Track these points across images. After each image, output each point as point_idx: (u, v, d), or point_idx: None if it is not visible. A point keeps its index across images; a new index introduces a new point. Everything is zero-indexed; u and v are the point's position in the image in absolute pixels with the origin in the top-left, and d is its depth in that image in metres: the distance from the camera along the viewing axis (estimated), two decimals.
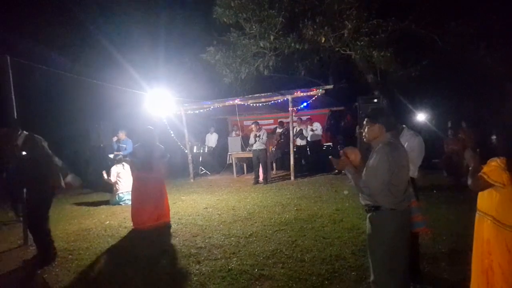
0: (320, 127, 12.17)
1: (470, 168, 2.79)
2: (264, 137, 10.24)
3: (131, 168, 6.82)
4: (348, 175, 2.73)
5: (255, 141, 10.21)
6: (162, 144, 6.50)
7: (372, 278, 2.75)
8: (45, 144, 4.78)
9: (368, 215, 2.71)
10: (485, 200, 2.70)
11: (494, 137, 3.04)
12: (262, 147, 10.19)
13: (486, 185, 2.60)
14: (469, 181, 2.74)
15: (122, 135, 9.96)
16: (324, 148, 12.79)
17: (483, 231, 2.69)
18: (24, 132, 4.79)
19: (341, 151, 2.83)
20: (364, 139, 2.77)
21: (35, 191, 4.69)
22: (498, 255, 2.58)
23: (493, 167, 2.56)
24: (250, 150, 10.63)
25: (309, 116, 12.89)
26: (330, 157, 2.83)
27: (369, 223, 2.70)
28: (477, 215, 2.80)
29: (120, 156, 8.44)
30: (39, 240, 4.78)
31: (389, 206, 2.56)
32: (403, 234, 2.61)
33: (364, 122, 2.75)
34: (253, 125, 10.44)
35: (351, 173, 2.69)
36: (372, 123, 2.69)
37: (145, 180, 6.21)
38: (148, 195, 6.19)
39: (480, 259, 2.72)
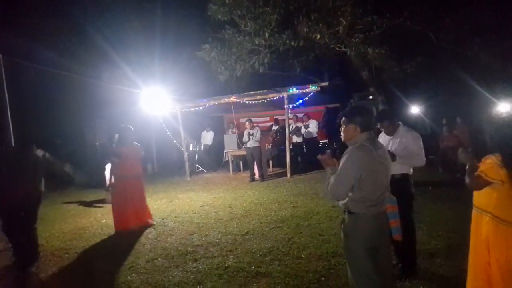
0: (316, 123, 12.01)
1: (466, 167, 2.74)
2: (258, 135, 10.23)
3: (112, 169, 6.50)
4: (328, 175, 2.62)
5: (249, 138, 10.21)
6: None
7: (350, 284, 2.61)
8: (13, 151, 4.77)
9: (342, 217, 2.62)
10: (482, 197, 2.66)
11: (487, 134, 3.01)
12: (255, 145, 10.19)
13: (485, 183, 2.55)
14: (467, 180, 2.69)
15: None
16: (320, 145, 12.72)
17: (482, 228, 2.65)
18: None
19: (327, 151, 2.78)
20: (342, 139, 2.65)
21: None
22: (497, 251, 2.54)
23: (489, 165, 2.51)
24: (244, 148, 10.64)
25: (304, 114, 12.76)
26: (318, 155, 2.74)
27: (342, 226, 2.59)
28: (474, 211, 2.76)
29: None
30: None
31: (358, 211, 2.45)
32: (377, 239, 2.48)
33: (341, 121, 2.63)
34: (246, 123, 10.47)
35: (328, 173, 2.58)
36: (347, 123, 2.56)
37: (126, 179, 6.09)
38: (129, 195, 6.06)
39: (479, 256, 2.68)
